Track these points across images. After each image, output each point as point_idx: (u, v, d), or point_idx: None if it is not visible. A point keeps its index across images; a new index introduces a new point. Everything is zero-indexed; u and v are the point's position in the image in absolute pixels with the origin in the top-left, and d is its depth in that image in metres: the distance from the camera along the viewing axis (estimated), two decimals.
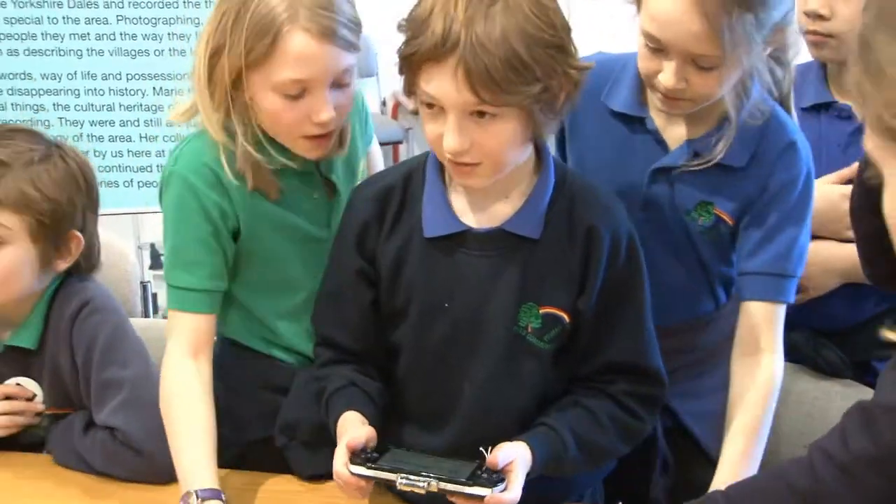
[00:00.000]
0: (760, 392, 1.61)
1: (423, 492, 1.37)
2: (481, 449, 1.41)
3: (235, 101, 1.58)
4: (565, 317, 1.50)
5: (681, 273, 1.71)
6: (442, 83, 1.37)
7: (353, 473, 1.40)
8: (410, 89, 1.44)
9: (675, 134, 1.65)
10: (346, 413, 1.50)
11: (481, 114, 1.38)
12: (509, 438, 1.45)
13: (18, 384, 1.72)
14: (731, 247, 1.68)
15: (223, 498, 1.52)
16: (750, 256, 1.63)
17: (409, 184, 1.55)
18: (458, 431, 1.54)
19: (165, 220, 1.66)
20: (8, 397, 1.72)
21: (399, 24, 1.43)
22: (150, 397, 1.62)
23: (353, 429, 1.45)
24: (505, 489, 1.37)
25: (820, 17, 1.83)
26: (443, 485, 1.37)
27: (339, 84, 1.58)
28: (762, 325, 1.62)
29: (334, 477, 1.42)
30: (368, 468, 1.40)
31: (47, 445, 1.73)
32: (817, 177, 1.68)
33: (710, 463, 1.63)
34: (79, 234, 1.70)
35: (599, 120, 1.69)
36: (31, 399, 1.72)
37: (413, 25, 1.40)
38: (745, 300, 1.63)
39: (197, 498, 1.50)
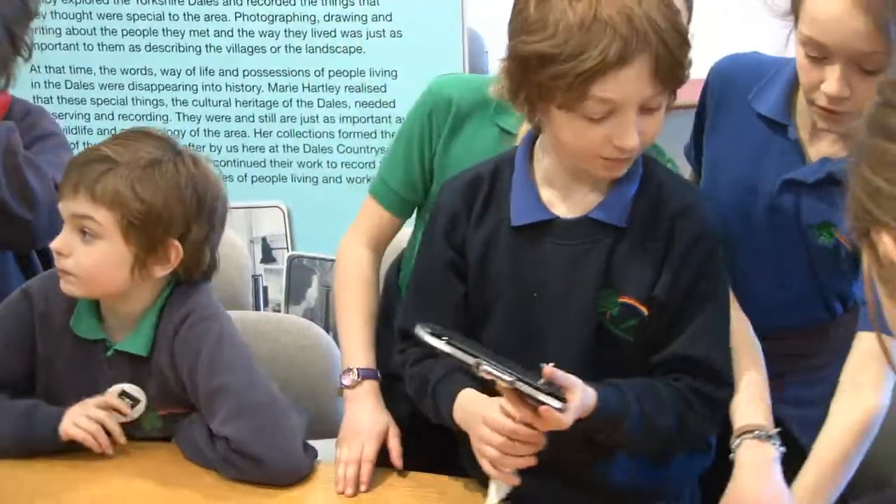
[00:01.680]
0: (850, 430, 1.53)
1: (504, 384, 1.34)
2: (542, 365, 1.36)
3: None
4: (643, 309, 1.49)
5: (793, 281, 1.68)
6: (629, 83, 1.37)
7: (426, 342, 1.36)
8: (571, 105, 1.39)
9: (815, 149, 1.63)
10: (463, 390, 1.50)
11: (652, 108, 1.40)
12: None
13: (124, 391, 1.71)
14: (850, 270, 1.64)
15: (379, 378, 1.70)
16: None
17: (497, 175, 1.56)
18: None
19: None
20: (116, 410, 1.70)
21: (510, 52, 1.43)
22: (258, 401, 1.64)
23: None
24: (562, 410, 1.34)
25: None
26: (519, 384, 1.34)
27: None
28: (871, 359, 1.54)
29: (482, 422, 1.42)
30: (448, 343, 1.36)
31: (174, 441, 1.74)
32: None
33: None
34: (177, 243, 1.69)
35: (743, 119, 1.68)
36: (135, 404, 1.71)
37: (570, 37, 1.35)
38: (860, 331, 1.57)
39: (357, 375, 1.69)
